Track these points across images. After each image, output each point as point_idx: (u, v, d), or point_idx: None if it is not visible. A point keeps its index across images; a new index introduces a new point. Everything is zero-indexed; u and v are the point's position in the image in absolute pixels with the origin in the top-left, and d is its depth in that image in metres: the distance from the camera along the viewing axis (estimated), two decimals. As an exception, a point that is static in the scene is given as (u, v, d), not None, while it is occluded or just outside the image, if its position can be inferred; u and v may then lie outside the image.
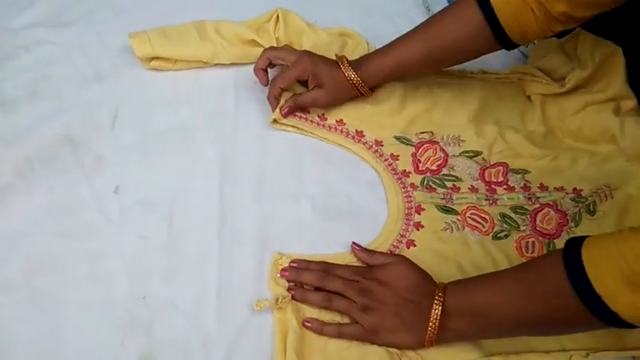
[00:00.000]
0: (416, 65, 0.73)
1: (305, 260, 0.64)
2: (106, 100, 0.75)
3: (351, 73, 0.73)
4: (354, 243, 0.66)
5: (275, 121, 0.74)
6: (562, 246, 0.68)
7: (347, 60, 0.74)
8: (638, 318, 0.47)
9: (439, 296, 0.57)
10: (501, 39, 0.68)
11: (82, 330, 0.59)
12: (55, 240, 0.63)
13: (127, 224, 0.65)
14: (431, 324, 0.57)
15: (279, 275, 0.63)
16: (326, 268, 0.63)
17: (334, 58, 0.75)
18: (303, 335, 0.59)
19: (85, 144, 0.70)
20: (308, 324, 0.60)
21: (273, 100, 0.74)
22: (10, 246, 0.63)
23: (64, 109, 0.73)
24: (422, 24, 0.73)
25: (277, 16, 0.80)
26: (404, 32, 0.84)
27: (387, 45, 0.74)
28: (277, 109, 0.73)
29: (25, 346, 0.57)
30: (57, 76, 0.76)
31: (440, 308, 0.57)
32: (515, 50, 0.88)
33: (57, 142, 0.70)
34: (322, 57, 0.74)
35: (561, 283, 0.50)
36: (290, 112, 0.74)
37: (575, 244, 0.51)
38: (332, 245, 0.67)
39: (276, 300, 0.61)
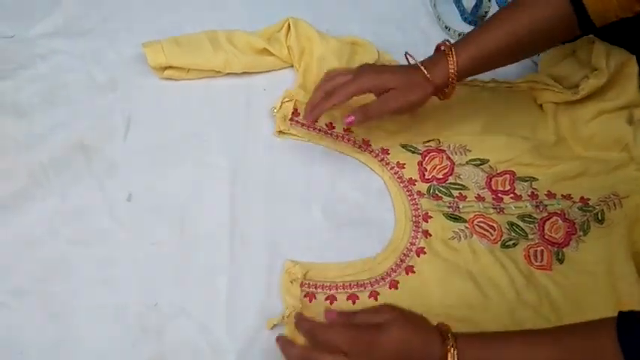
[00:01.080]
0: (501, 55, 0.70)
1: (287, 340, 0.56)
2: (119, 109, 0.75)
3: (452, 69, 0.67)
4: (326, 310, 0.56)
5: (281, 132, 0.75)
6: (571, 254, 0.69)
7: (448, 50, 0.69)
8: None
9: (451, 346, 0.51)
10: (583, 21, 0.67)
11: (94, 336, 0.59)
12: (67, 246, 0.64)
13: (139, 231, 0.66)
14: None
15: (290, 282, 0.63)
16: (312, 334, 0.54)
17: (344, 64, 0.76)
18: None
19: (98, 151, 0.71)
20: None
21: (315, 111, 0.68)
22: (23, 251, 0.63)
23: (78, 116, 0.74)
24: (504, 11, 0.70)
25: (288, 25, 0.81)
26: (415, 41, 0.84)
27: (468, 36, 0.70)
28: (281, 121, 0.74)
29: (38, 352, 0.58)
30: (71, 85, 0.77)
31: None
32: (527, 60, 0.89)
33: (71, 150, 0.71)
34: (386, 66, 0.71)
35: None
36: (361, 123, 0.68)
37: (633, 325, 0.47)
38: (342, 253, 0.67)
39: (285, 315, 0.61)
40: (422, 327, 0.54)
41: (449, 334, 0.52)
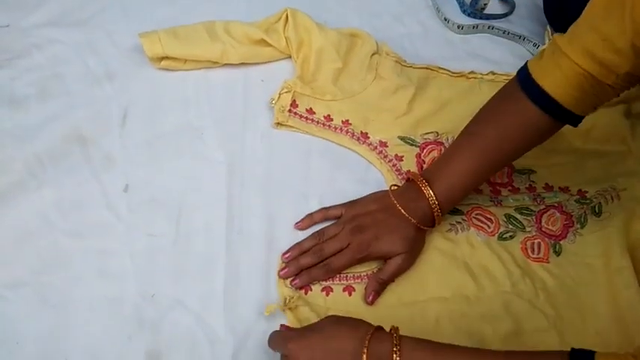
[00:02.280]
0: (475, 184, 0.68)
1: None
2: (115, 100, 0.75)
3: (433, 200, 0.64)
4: (282, 325, 0.60)
5: (279, 123, 0.75)
6: (568, 247, 0.69)
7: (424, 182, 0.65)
8: None
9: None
10: (573, 121, 0.62)
11: (90, 327, 0.60)
12: (64, 237, 0.64)
13: (135, 223, 0.66)
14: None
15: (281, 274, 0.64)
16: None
17: (343, 56, 0.76)
18: None
19: (94, 142, 0.71)
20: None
21: (305, 279, 0.64)
22: (20, 243, 0.63)
23: (74, 107, 0.74)
24: (475, 136, 0.65)
25: (287, 16, 0.81)
26: (414, 33, 0.82)
27: (438, 167, 0.66)
28: (279, 112, 0.74)
29: (34, 343, 0.58)
30: (67, 75, 0.77)
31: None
32: (525, 52, 0.89)
33: (67, 141, 0.71)
34: (374, 221, 0.65)
35: None
36: (377, 296, 0.64)
37: None
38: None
39: (285, 301, 0.61)
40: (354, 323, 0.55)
41: (394, 333, 0.52)
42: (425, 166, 0.74)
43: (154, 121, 0.74)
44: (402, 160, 0.75)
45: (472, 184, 0.67)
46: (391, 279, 0.64)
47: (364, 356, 0.50)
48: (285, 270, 0.64)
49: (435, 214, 0.64)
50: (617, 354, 0.46)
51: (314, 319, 0.59)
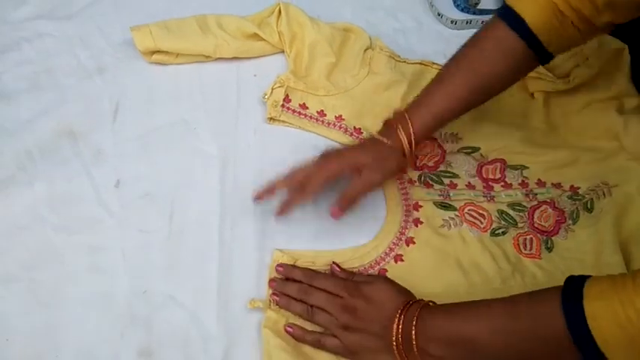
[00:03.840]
0: (459, 110, 0.67)
1: (290, 266, 0.64)
2: (107, 93, 0.75)
3: (405, 141, 0.65)
4: (333, 263, 0.64)
5: (272, 118, 0.74)
6: (560, 243, 0.69)
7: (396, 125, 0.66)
8: None
9: (400, 314, 0.56)
10: (541, 55, 0.64)
11: (82, 323, 0.59)
12: (55, 233, 0.64)
13: (127, 218, 0.66)
14: (394, 340, 0.56)
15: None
16: (310, 277, 0.62)
17: (336, 51, 0.76)
18: (287, 344, 0.60)
19: (85, 137, 0.71)
20: (289, 329, 0.60)
21: (285, 208, 0.65)
22: (10, 238, 0.63)
23: (65, 101, 0.73)
24: (457, 61, 0.67)
25: (279, 10, 0.80)
26: (407, 28, 0.82)
27: (423, 96, 0.67)
28: (272, 107, 0.73)
29: (24, 339, 0.58)
30: (58, 69, 0.76)
31: (401, 327, 0.55)
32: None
33: (58, 135, 0.70)
34: (348, 147, 0.68)
35: (559, 332, 0.47)
36: (345, 210, 0.64)
37: (576, 291, 0.48)
38: (333, 241, 0.67)
39: (270, 303, 0.61)
40: (406, 289, 0.60)
41: (412, 302, 0.57)
42: (418, 162, 0.75)
43: (146, 116, 0.74)
44: (396, 156, 0.75)
45: (452, 109, 0.66)
46: (356, 192, 0.64)
47: (396, 319, 0.56)
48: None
49: (407, 151, 0.66)
50: (612, 275, 0.48)
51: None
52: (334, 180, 0.64)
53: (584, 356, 0.46)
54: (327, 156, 0.66)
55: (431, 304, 0.58)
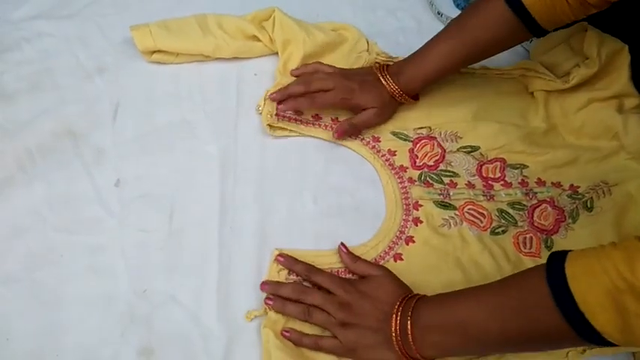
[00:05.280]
0: (451, 68, 0.74)
1: (292, 258, 0.64)
2: (107, 94, 0.75)
3: (393, 87, 0.73)
4: (341, 244, 0.65)
5: (270, 126, 0.74)
6: (559, 241, 0.70)
7: (387, 71, 0.74)
8: (619, 336, 0.46)
9: (398, 308, 0.57)
10: (534, 30, 0.68)
11: (82, 323, 0.59)
12: (55, 233, 0.64)
13: (127, 218, 0.66)
14: (394, 334, 0.56)
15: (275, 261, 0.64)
16: (310, 271, 0.63)
17: (334, 62, 0.77)
18: (285, 345, 0.59)
19: (85, 137, 0.71)
20: (287, 333, 0.60)
21: (290, 104, 0.73)
22: (11, 239, 0.63)
23: (65, 101, 0.73)
24: (451, 26, 0.73)
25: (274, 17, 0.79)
26: (408, 27, 0.83)
27: (419, 52, 0.74)
28: (267, 118, 0.73)
29: (25, 339, 0.58)
30: (58, 69, 0.76)
31: (399, 320, 0.56)
32: (518, 46, 0.88)
33: (58, 135, 0.70)
34: (360, 79, 0.74)
35: (544, 299, 0.48)
36: (344, 134, 0.73)
37: (559, 259, 0.49)
38: (333, 241, 0.67)
39: (265, 309, 0.61)
40: (405, 284, 0.62)
41: (410, 296, 0.59)
42: (418, 161, 0.75)
43: (146, 116, 0.74)
44: (395, 155, 0.75)
45: (446, 66, 0.73)
46: (360, 125, 0.74)
47: (394, 313, 0.57)
48: (274, 95, 0.72)
49: (401, 98, 0.74)
50: (595, 247, 0.49)
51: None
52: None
53: (568, 321, 0.47)
54: (344, 86, 0.72)
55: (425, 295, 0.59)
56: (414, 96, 0.76)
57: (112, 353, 0.58)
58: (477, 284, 0.65)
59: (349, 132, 0.74)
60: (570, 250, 0.50)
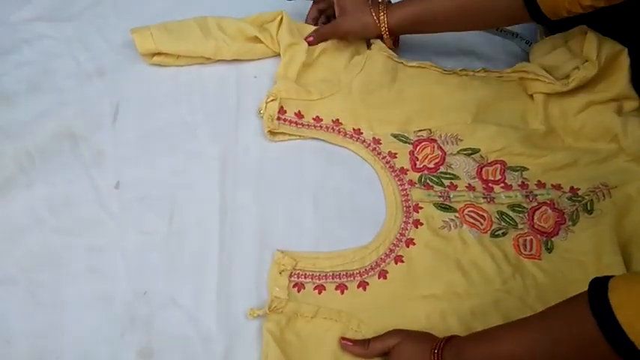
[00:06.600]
0: (443, 18, 0.74)
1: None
2: (107, 96, 0.75)
3: (380, 14, 0.75)
4: (342, 338, 0.62)
5: (271, 132, 0.73)
6: (560, 244, 0.69)
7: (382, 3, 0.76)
8: None
9: (434, 354, 0.56)
10: (533, 11, 0.69)
11: (82, 325, 0.59)
12: (55, 235, 0.64)
13: (127, 220, 0.66)
14: None
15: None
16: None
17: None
18: (286, 347, 0.60)
19: (85, 139, 0.71)
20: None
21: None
22: (10, 240, 0.63)
23: (64, 103, 0.73)
24: None
25: (281, 19, 0.79)
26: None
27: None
28: (269, 121, 0.73)
29: (24, 340, 0.58)
30: (58, 71, 0.76)
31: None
32: (518, 49, 0.89)
33: (57, 137, 0.70)
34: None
35: (592, 332, 0.47)
36: (316, 42, 0.78)
37: (601, 288, 0.48)
38: (333, 243, 0.67)
39: (269, 306, 0.61)
40: (425, 339, 0.59)
41: (436, 344, 0.57)
42: (418, 163, 0.75)
43: (146, 118, 0.74)
44: (396, 157, 0.75)
45: (432, 22, 0.76)
46: (327, 31, 0.79)
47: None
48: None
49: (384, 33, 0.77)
50: (637, 272, 0.50)
51: (303, 318, 0.61)
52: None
53: (617, 350, 0.46)
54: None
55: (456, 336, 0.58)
56: (394, 40, 0.79)
57: (112, 355, 0.58)
58: (478, 286, 0.66)
59: (319, 39, 0.79)
60: (611, 276, 0.49)
